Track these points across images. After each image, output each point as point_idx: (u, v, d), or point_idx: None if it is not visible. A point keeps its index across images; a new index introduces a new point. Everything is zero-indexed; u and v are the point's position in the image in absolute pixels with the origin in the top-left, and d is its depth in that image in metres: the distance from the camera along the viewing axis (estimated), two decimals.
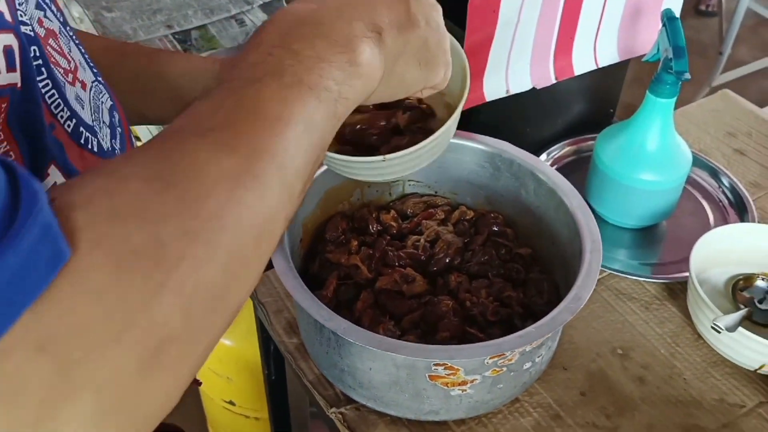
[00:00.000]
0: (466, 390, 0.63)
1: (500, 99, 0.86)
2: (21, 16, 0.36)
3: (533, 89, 0.88)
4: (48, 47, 0.41)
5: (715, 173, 0.95)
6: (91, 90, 0.46)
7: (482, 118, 0.88)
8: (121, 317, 0.27)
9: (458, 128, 0.59)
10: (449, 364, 0.60)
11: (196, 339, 0.30)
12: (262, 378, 0.96)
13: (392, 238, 0.79)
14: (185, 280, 0.29)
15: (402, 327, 0.71)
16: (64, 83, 0.42)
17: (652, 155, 0.82)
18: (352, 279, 0.74)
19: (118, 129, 0.49)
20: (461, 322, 0.69)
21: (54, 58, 0.41)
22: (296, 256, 0.73)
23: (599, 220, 0.90)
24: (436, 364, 0.60)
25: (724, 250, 0.80)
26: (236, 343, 1.19)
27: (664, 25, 0.78)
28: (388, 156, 0.54)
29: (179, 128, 0.34)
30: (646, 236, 0.89)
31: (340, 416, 0.67)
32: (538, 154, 0.97)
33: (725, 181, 0.94)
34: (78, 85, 0.44)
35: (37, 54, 0.37)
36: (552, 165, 0.96)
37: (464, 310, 0.71)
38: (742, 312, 0.71)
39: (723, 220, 0.90)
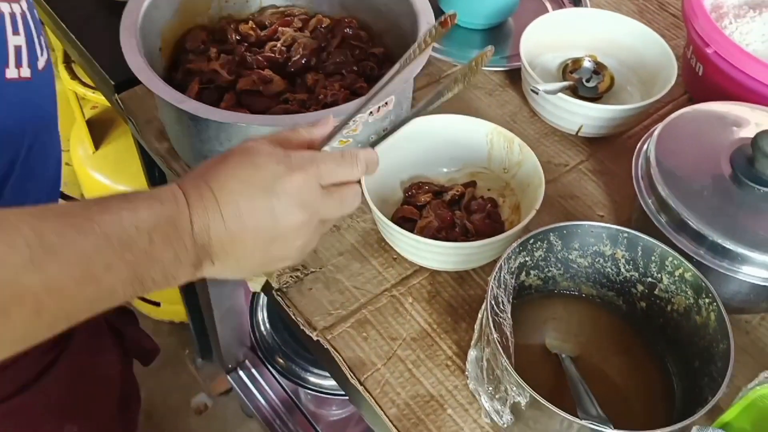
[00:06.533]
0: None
1: None
2: None
3: None
4: None
5: None
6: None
7: None
8: None
9: None
10: None
11: None
12: None
13: (251, 46, 0.84)
14: None
15: None
16: None
17: None
18: (214, 83, 0.79)
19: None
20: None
21: None
22: (157, 65, 0.77)
23: None
24: None
25: (556, 36, 0.88)
26: None
27: None
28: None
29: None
30: (494, 35, 0.97)
31: None
32: None
33: None
34: None
35: None
36: None
37: (319, 102, 0.78)
38: (563, 83, 0.81)
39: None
